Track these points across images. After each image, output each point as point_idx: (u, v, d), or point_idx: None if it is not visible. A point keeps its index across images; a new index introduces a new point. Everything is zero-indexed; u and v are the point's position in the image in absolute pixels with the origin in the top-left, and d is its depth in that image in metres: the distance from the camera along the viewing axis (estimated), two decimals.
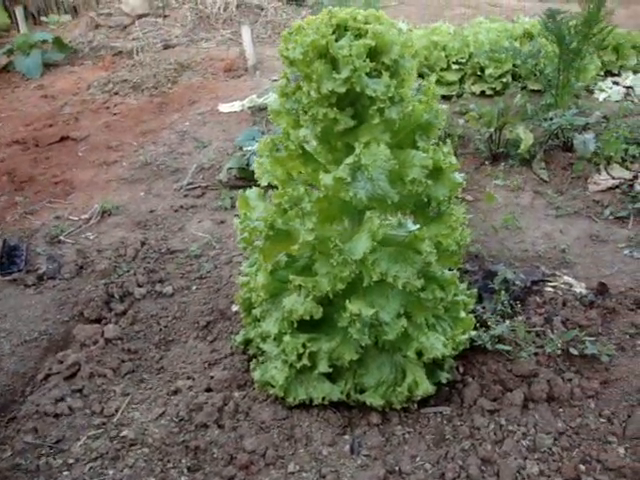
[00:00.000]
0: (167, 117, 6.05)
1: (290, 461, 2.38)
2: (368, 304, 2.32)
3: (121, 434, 2.57)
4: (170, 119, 5.97)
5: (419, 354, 2.46)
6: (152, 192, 4.63)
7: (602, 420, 2.56)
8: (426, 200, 2.41)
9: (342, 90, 2.24)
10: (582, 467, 2.36)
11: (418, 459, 2.39)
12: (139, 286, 3.50)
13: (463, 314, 2.67)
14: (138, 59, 7.70)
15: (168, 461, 2.44)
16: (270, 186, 2.59)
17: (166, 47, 8.22)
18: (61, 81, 7.29)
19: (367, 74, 2.25)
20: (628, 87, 6.17)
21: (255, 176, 2.59)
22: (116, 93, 6.77)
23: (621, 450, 2.43)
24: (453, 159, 2.40)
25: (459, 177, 2.43)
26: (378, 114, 2.26)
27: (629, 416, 2.56)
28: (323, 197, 2.30)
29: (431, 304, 2.43)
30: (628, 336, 2.99)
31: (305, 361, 2.44)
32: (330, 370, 2.48)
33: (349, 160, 2.21)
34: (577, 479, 2.31)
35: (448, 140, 2.48)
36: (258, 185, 2.60)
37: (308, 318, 2.41)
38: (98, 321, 3.29)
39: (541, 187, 4.50)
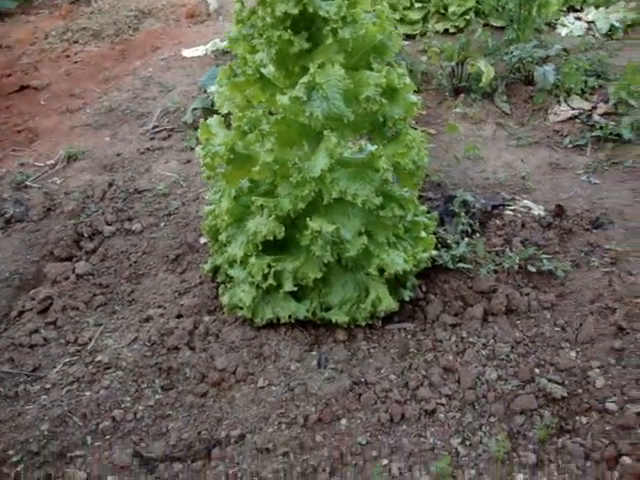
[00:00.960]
0: (130, 64, 5.97)
1: (260, 377, 2.49)
2: (329, 221, 2.40)
3: (96, 359, 2.64)
4: (133, 65, 5.90)
5: (381, 271, 2.55)
6: (118, 137, 4.61)
7: (556, 329, 2.70)
8: (382, 120, 2.47)
9: (295, 11, 2.26)
10: (537, 370, 2.50)
11: (383, 371, 2.51)
12: (108, 224, 3.53)
13: (424, 234, 2.76)
14: (97, 6, 7.53)
15: (142, 382, 2.53)
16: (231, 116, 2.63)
17: None
18: (16, 31, 7.11)
19: None
20: (590, 22, 6.20)
21: (215, 106, 2.61)
22: (76, 41, 6.64)
23: (572, 354, 2.57)
24: (407, 80, 2.46)
25: (414, 97, 2.48)
26: (331, 35, 2.30)
27: (581, 324, 2.70)
28: (281, 119, 2.35)
29: (391, 222, 2.51)
30: (583, 254, 3.11)
31: (271, 281, 2.52)
32: (295, 289, 2.56)
33: (304, 79, 2.25)
34: (531, 380, 2.45)
35: (403, 62, 2.52)
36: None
37: (272, 238, 2.48)
38: (69, 259, 3.33)
39: (503, 119, 4.58)
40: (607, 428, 2.28)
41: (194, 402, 2.43)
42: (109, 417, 2.40)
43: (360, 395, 2.39)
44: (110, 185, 3.91)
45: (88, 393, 2.49)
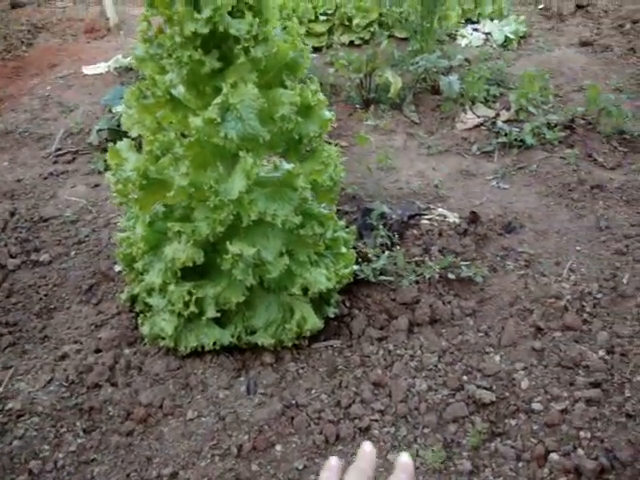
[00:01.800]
0: (25, 82, 5.68)
1: (188, 408, 2.39)
2: (249, 244, 2.34)
3: (7, 407, 2.46)
4: (29, 84, 5.62)
5: (304, 290, 2.51)
6: (17, 161, 4.37)
7: (480, 334, 2.75)
8: (297, 138, 2.44)
9: (205, 31, 2.21)
10: (465, 377, 2.53)
11: (313, 391, 2.47)
12: (12, 257, 3.33)
13: (344, 249, 2.75)
14: None
15: (61, 426, 2.38)
16: (141, 139, 2.53)
17: (14, 6, 7.63)
18: None
19: (230, 14, 2.23)
20: (487, 33, 6.46)
21: (124, 127, 2.51)
22: None
23: (497, 358, 2.62)
24: (321, 96, 2.45)
25: (328, 114, 2.48)
26: (243, 53, 2.25)
27: (503, 328, 2.77)
28: (195, 141, 2.28)
29: (311, 240, 2.49)
30: (499, 258, 3.20)
31: (192, 308, 2.43)
32: (219, 315, 2.49)
33: (217, 100, 2.19)
34: (461, 388, 2.48)
35: (315, 78, 2.51)
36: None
37: (191, 264, 2.39)
38: None
39: (412, 129, 4.67)
40: (534, 428, 2.34)
41: (120, 442, 2.31)
42: (25, 470, 2.23)
43: (293, 418, 2.35)
44: (12, 214, 3.69)
45: None
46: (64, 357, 2.68)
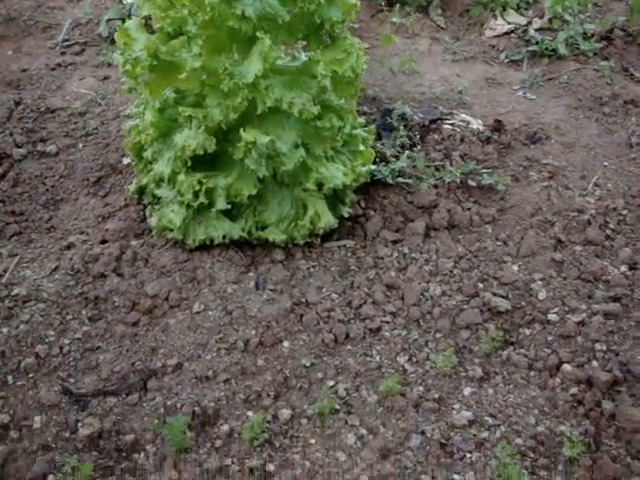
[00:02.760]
0: None
1: (195, 302, 2.34)
2: (263, 132, 2.22)
3: (12, 293, 2.42)
4: None
5: (319, 186, 2.41)
6: (22, 50, 4.18)
7: (498, 243, 2.66)
8: (319, 22, 2.27)
9: None
10: (480, 285, 2.46)
11: (324, 290, 2.41)
12: (18, 147, 3.22)
13: (362, 147, 2.62)
14: None
15: (67, 313, 2.34)
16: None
17: None
18: None
19: None
20: None
21: (134, 8, 2.34)
22: None
23: (515, 267, 2.54)
24: None
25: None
26: None
27: (522, 238, 2.67)
28: (209, 20, 2.11)
29: (329, 133, 2.36)
30: (522, 168, 3.07)
31: (202, 199, 2.34)
32: (229, 207, 2.40)
33: None
34: (476, 295, 2.41)
35: None
36: None
37: (202, 153, 2.28)
38: None
39: (438, 33, 4.42)
40: (549, 338, 2.28)
41: (125, 332, 2.27)
42: (32, 353, 2.21)
43: (302, 316, 2.29)
44: (17, 104, 3.55)
45: (5, 329, 2.28)
46: (70, 247, 2.61)
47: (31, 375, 2.15)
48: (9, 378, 2.15)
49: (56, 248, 2.63)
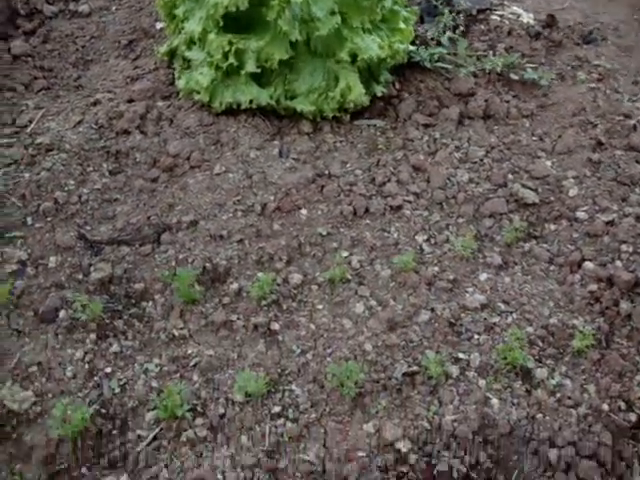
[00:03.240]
0: None
1: (216, 164, 2.30)
2: None
3: (36, 141, 2.41)
4: None
5: (353, 57, 2.31)
6: None
7: (534, 138, 2.54)
8: None
9: None
10: (510, 176, 2.37)
11: (349, 165, 2.35)
12: (49, 3, 3.15)
13: (403, 26, 2.49)
14: None
15: (88, 165, 2.33)
16: None
17: None
18: None
19: None
20: None
21: None
22: None
23: (548, 163, 2.43)
24: None
25: None
26: None
27: (560, 136, 2.55)
28: None
29: (368, 4, 2.25)
30: (570, 67, 2.90)
31: (232, 60, 2.26)
32: (259, 71, 2.32)
33: None
34: (504, 185, 2.33)
35: None
36: None
37: (234, 10, 2.19)
38: (3, 39, 2.97)
39: None
40: (574, 235, 2.20)
41: (144, 187, 2.26)
42: (51, 199, 2.22)
43: (323, 187, 2.25)
44: None
45: (27, 175, 2.29)
46: (96, 103, 2.58)
47: (49, 219, 2.17)
48: (28, 219, 2.17)
49: (82, 104, 2.60)
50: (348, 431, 1.69)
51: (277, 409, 1.72)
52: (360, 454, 1.65)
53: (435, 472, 1.68)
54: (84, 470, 1.62)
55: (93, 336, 1.85)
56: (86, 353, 1.81)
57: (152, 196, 2.22)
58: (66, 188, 2.24)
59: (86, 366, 1.79)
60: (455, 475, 1.68)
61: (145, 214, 2.17)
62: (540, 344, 1.92)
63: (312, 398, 1.74)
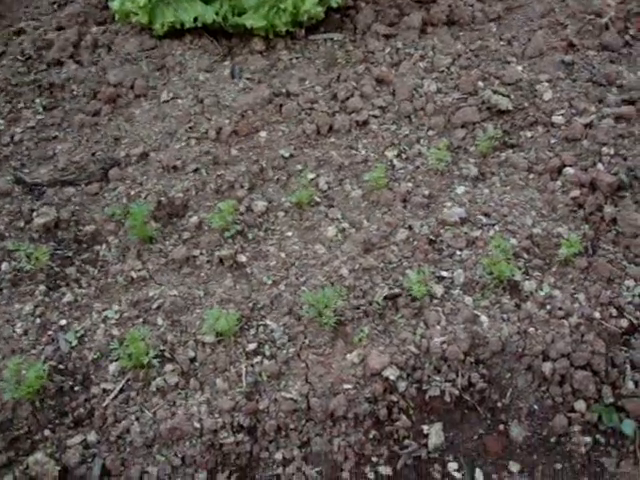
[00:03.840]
0: None
1: (163, 90, 2.10)
2: None
3: None
4: None
5: None
6: None
7: (502, 43, 2.39)
8: None
9: None
10: (480, 83, 2.21)
11: (307, 82, 2.16)
12: None
13: None
14: None
15: (18, 102, 2.11)
16: None
17: None
18: None
19: None
20: None
21: None
22: None
23: (519, 68, 2.28)
24: None
25: None
26: None
27: (529, 39, 2.39)
28: None
29: None
30: None
31: None
32: None
33: None
34: (475, 93, 2.18)
35: None
36: None
37: None
38: None
39: None
40: (552, 141, 2.07)
41: (85, 121, 2.04)
42: None
43: (281, 106, 2.06)
44: None
45: None
46: (19, 32, 2.32)
47: None
48: None
49: (3, 34, 2.33)
50: (331, 363, 1.57)
51: (252, 347, 1.58)
52: (346, 386, 1.53)
53: (427, 398, 1.58)
54: (47, 432, 1.47)
55: (42, 287, 1.67)
56: (36, 306, 1.64)
57: (95, 130, 2.02)
58: None
59: (37, 320, 1.62)
60: (447, 399, 1.58)
61: (89, 150, 1.97)
62: (525, 256, 1.81)
63: (289, 331, 1.61)
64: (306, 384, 1.53)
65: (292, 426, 1.48)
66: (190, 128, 1.99)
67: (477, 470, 1.55)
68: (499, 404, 1.61)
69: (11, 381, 1.43)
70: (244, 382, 1.51)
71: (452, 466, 1.55)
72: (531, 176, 2.00)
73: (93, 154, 1.95)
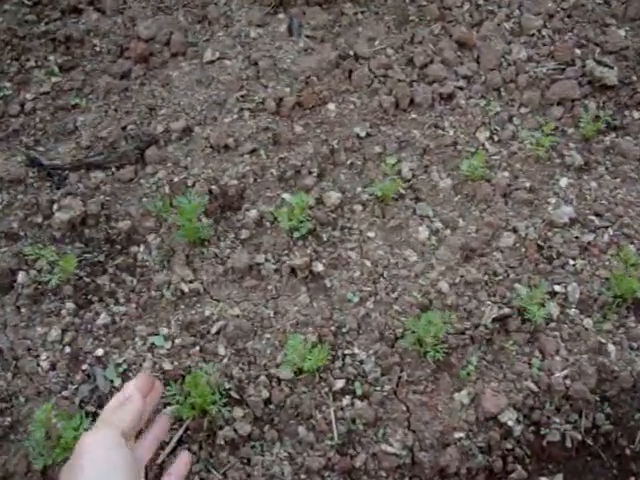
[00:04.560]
0: None
1: (206, 48, 1.72)
2: None
3: None
4: None
5: None
6: None
7: (598, 1, 2.02)
8: None
9: None
10: (577, 51, 1.86)
11: (377, 43, 1.79)
12: None
13: None
14: None
15: (27, 59, 1.73)
16: None
17: None
18: None
19: None
20: None
21: None
22: None
23: (622, 32, 1.93)
24: None
25: None
26: None
27: None
28: None
29: None
30: None
31: None
32: None
33: None
34: (572, 63, 1.83)
35: None
36: None
37: None
38: None
39: None
40: None
41: (112, 85, 1.67)
42: None
43: (351, 72, 1.70)
44: None
45: None
46: None
47: None
48: None
49: None
50: (436, 405, 1.27)
51: (340, 384, 1.26)
52: (457, 435, 1.23)
53: (544, 444, 1.29)
54: None
55: (70, 304, 1.33)
56: (64, 330, 1.30)
57: (125, 97, 1.65)
58: (1, 94, 1.64)
59: (67, 349, 1.28)
60: (568, 445, 1.30)
61: (118, 123, 1.60)
62: None
63: (381, 363, 1.30)
64: (409, 432, 1.23)
65: None
66: (242, 97, 1.62)
67: None
68: (627, 451, 1.33)
69: (40, 438, 1.09)
70: (335, 432, 1.20)
71: None
72: None
73: (124, 128, 1.59)
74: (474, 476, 1.24)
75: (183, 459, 0.80)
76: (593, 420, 1.33)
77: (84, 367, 1.26)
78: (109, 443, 0.66)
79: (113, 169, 1.54)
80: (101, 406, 1.20)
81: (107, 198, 1.49)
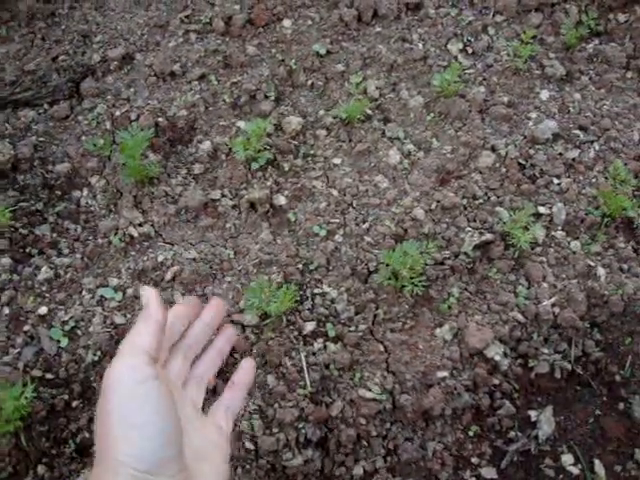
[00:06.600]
0: None
1: None
2: None
3: None
4: None
5: None
6: None
7: None
8: None
9: None
10: None
11: None
12: None
13: None
14: None
15: None
16: None
17: None
18: None
19: None
20: None
21: None
22: None
23: None
24: None
25: None
26: None
27: None
28: None
29: None
30: None
31: None
32: None
33: None
34: None
35: None
36: None
37: None
38: None
39: None
40: None
41: (36, 10, 1.49)
42: None
43: None
44: None
45: None
46: None
47: None
48: None
49: None
50: (417, 343, 1.16)
51: (310, 327, 1.15)
52: (441, 374, 1.14)
53: (533, 376, 1.21)
54: (41, 469, 1.04)
55: (6, 260, 1.19)
56: (1, 289, 1.16)
57: (52, 24, 1.47)
58: None
59: (5, 310, 1.14)
60: (558, 375, 1.21)
61: (47, 54, 1.43)
62: (634, 182, 1.40)
63: (355, 300, 1.19)
64: (388, 375, 1.13)
65: (374, 433, 1.09)
66: (187, 17, 1.45)
67: (596, 462, 1.21)
68: (617, 377, 1.25)
69: None
70: (307, 380, 1.10)
71: (566, 459, 1.20)
72: (629, 74, 1.56)
73: (54, 59, 1.42)
74: (460, 416, 1.15)
75: (246, 367, 0.74)
76: (583, 348, 1.24)
77: (26, 328, 1.12)
78: (135, 375, 0.57)
79: (45, 106, 1.37)
80: (48, 370, 1.08)
81: (40, 139, 1.33)
